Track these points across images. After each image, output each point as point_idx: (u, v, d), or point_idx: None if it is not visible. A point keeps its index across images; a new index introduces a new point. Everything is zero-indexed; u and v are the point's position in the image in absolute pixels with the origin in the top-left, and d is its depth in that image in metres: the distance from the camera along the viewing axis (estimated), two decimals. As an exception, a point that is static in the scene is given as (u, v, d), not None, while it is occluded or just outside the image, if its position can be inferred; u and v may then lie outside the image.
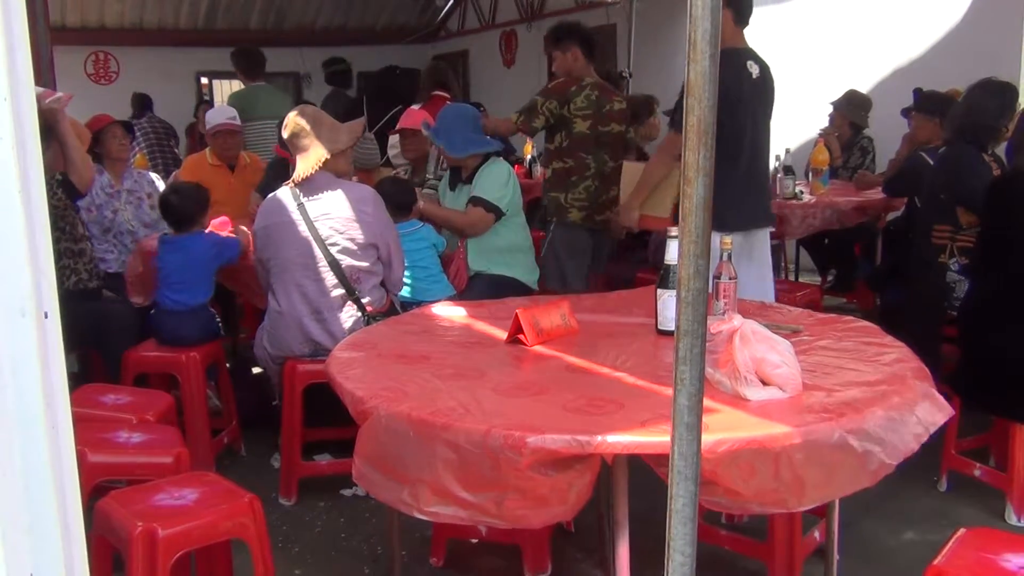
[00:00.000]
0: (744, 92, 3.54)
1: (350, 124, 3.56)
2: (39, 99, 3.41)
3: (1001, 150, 3.78)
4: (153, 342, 3.76)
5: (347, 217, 3.36)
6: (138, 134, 7.97)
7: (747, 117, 3.57)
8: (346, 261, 3.38)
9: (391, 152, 5.50)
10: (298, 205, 3.37)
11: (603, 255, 4.68)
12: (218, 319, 3.93)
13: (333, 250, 3.36)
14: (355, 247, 3.38)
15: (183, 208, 3.83)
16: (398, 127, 4.84)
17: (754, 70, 3.61)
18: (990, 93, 3.78)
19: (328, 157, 3.36)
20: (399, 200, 3.87)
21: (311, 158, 3.36)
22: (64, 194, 3.67)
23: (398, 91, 6.95)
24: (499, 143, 4.11)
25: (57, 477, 1.11)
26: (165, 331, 3.74)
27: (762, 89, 3.65)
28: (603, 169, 4.43)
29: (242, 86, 6.74)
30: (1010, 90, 3.82)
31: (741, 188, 3.48)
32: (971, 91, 3.87)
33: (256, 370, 4.59)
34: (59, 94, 3.63)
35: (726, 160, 3.39)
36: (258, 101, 6.44)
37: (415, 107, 5.32)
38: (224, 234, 4.03)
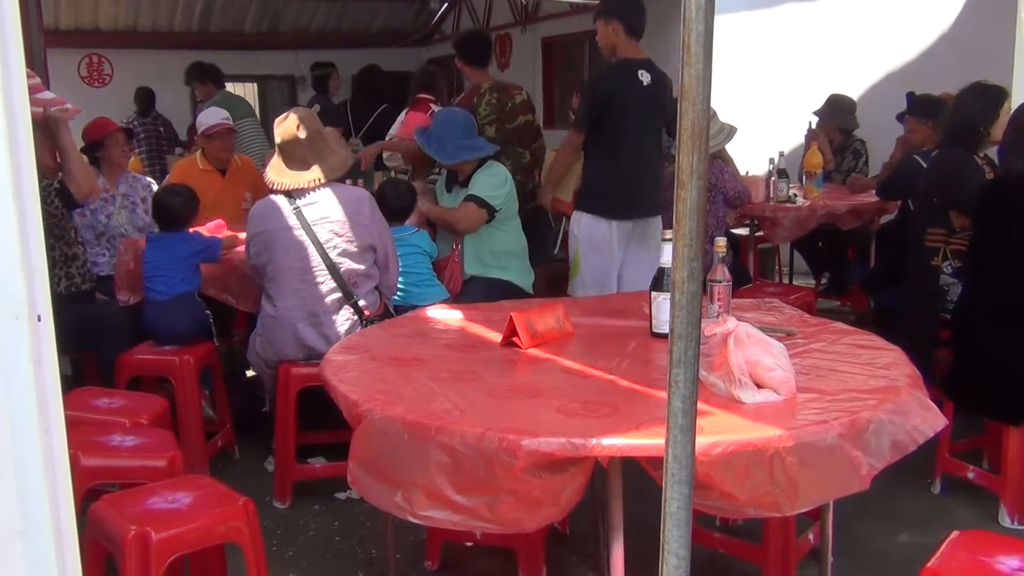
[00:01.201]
0: (632, 97, 4.01)
1: (343, 155, 3.57)
2: (47, 104, 3.43)
3: (995, 152, 3.79)
4: (146, 345, 3.75)
5: (345, 220, 3.37)
6: (141, 134, 7.93)
7: (633, 119, 4.02)
8: (345, 264, 3.38)
9: (384, 154, 5.51)
10: (294, 210, 3.37)
11: (539, 238, 4.88)
12: (208, 314, 3.94)
13: (332, 253, 3.36)
14: (354, 249, 3.39)
15: (177, 209, 3.89)
16: (396, 135, 4.84)
17: (645, 78, 4.04)
18: (975, 96, 3.80)
19: (322, 182, 3.39)
20: (395, 205, 3.87)
21: (308, 176, 3.38)
22: (61, 203, 3.66)
23: (381, 91, 6.92)
24: (493, 147, 4.12)
25: (50, 480, 1.11)
26: (155, 324, 3.77)
27: (651, 94, 4.05)
28: (520, 162, 4.68)
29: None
30: (995, 93, 3.83)
31: (629, 181, 3.91)
32: (959, 94, 3.89)
33: (250, 373, 4.58)
34: (67, 105, 3.64)
35: (609, 156, 3.99)
36: (236, 105, 6.59)
37: (404, 112, 5.35)
38: (207, 233, 4.13)
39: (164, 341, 3.74)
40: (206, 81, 6.73)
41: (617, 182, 3.97)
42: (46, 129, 3.54)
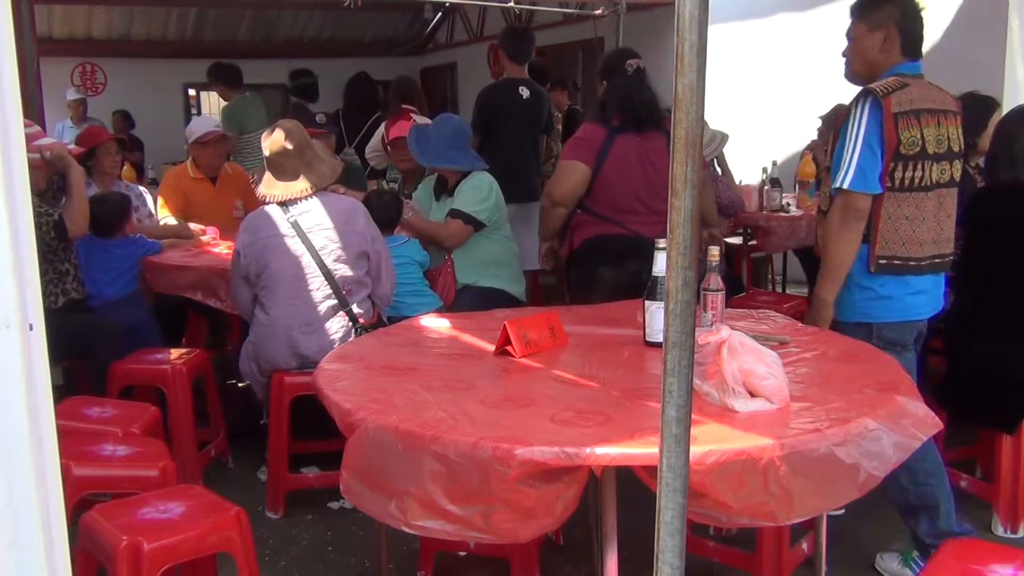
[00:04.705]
0: (513, 108, 5.28)
1: (332, 163, 3.58)
2: (44, 149, 3.58)
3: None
4: (139, 354, 3.74)
5: (340, 227, 3.38)
6: None
7: (514, 124, 5.22)
8: (340, 271, 3.38)
9: (369, 156, 5.51)
10: (289, 219, 3.36)
11: None
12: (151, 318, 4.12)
13: (328, 259, 3.36)
14: (349, 256, 3.39)
15: (106, 217, 4.03)
16: (389, 137, 4.83)
17: (524, 93, 5.33)
18: (964, 107, 3.81)
19: (313, 191, 3.40)
20: (381, 216, 3.86)
21: (299, 186, 3.38)
22: (56, 235, 3.66)
23: (374, 99, 6.86)
24: (475, 163, 4.11)
25: (41, 490, 1.10)
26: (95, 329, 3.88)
27: (530, 104, 5.36)
28: None
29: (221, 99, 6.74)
30: (984, 104, 3.84)
31: (510, 171, 4.56)
32: None
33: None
34: (69, 145, 3.84)
35: (495, 152, 4.92)
36: (253, 112, 6.48)
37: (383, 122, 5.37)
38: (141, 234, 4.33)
39: (111, 347, 3.75)
40: (228, 82, 6.63)
41: (500, 172, 4.54)
42: (53, 167, 3.71)
